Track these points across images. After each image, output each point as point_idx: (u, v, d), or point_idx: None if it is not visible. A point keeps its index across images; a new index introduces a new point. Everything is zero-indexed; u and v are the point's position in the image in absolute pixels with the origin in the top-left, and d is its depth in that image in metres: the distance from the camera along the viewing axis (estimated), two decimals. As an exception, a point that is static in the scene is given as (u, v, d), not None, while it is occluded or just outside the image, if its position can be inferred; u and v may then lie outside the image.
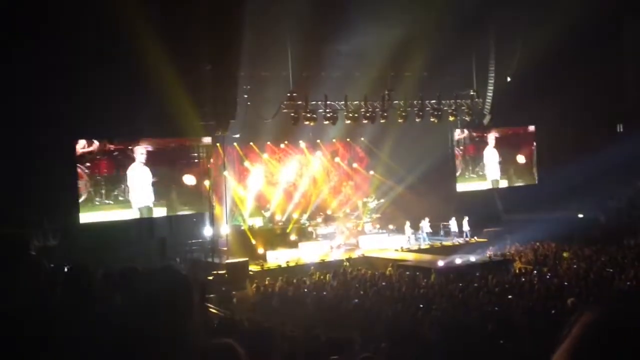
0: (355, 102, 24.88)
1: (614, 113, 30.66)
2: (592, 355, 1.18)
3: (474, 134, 29.42)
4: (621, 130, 31.64)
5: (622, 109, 30.21)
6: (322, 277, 20.14)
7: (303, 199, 27.79)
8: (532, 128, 30.67)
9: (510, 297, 14.79)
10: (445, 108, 26.54)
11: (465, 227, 26.34)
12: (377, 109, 25.18)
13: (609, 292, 14.87)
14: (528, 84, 26.59)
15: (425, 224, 26.05)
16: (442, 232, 26.90)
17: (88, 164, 22.03)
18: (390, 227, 27.34)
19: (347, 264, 22.40)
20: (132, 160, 22.70)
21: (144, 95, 20.11)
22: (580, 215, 27.44)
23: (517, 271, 19.84)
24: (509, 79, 27.68)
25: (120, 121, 21.13)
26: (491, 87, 27.53)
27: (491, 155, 29.91)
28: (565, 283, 16.45)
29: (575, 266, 19.28)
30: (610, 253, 21.11)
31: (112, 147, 22.47)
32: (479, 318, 12.03)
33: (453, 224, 26.54)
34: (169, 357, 2.32)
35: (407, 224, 25.99)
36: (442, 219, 26.78)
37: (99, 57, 19.51)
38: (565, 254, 21.59)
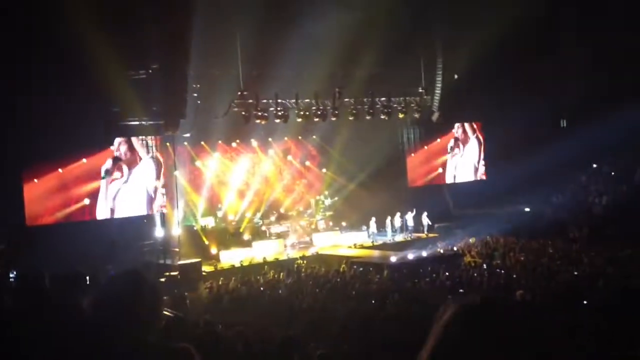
0: (306, 100, 24.89)
1: (558, 108, 31.47)
2: (457, 340, 1.23)
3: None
4: (564, 125, 32.53)
5: (565, 104, 31.00)
6: (276, 275, 20.11)
7: (256, 198, 27.63)
8: (478, 124, 31.29)
9: (461, 290, 15.09)
10: (395, 105, 26.81)
11: (425, 221, 26.73)
12: (328, 107, 25.25)
13: (555, 283, 15.30)
14: (475, 81, 27.12)
15: (373, 223, 26.38)
16: (395, 228, 27.06)
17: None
18: (343, 224, 27.49)
19: (301, 262, 22.41)
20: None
21: (90, 95, 19.65)
22: (527, 209, 28.13)
23: (467, 265, 20.23)
24: (456, 77, 28.14)
25: (66, 129, 20.45)
26: (439, 85, 27.94)
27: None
28: (514, 275, 16.86)
29: (522, 259, 19.77)
30: (556, 245, 21.72)
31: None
32: (432, 312, 12.18)
33: (407, 219, 26.85)
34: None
35: (373, 219, 26.25)
36: (394, 215, 27.04)
37: (42, 55, 18.92)
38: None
